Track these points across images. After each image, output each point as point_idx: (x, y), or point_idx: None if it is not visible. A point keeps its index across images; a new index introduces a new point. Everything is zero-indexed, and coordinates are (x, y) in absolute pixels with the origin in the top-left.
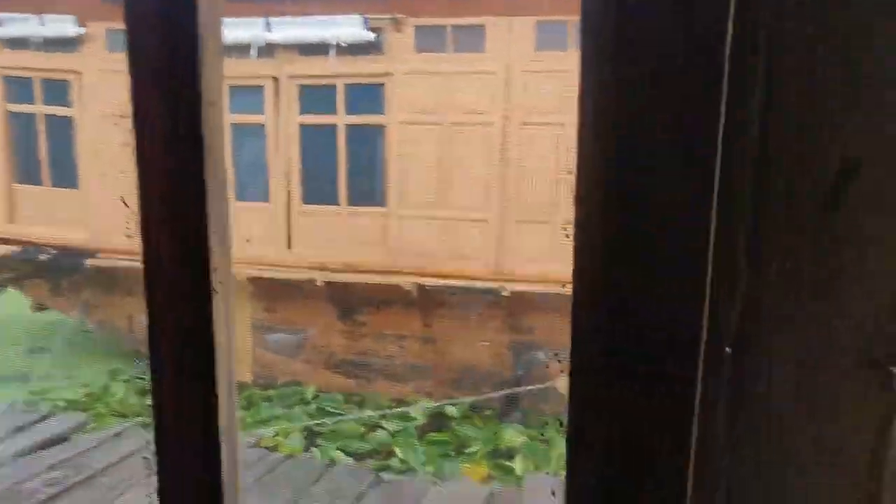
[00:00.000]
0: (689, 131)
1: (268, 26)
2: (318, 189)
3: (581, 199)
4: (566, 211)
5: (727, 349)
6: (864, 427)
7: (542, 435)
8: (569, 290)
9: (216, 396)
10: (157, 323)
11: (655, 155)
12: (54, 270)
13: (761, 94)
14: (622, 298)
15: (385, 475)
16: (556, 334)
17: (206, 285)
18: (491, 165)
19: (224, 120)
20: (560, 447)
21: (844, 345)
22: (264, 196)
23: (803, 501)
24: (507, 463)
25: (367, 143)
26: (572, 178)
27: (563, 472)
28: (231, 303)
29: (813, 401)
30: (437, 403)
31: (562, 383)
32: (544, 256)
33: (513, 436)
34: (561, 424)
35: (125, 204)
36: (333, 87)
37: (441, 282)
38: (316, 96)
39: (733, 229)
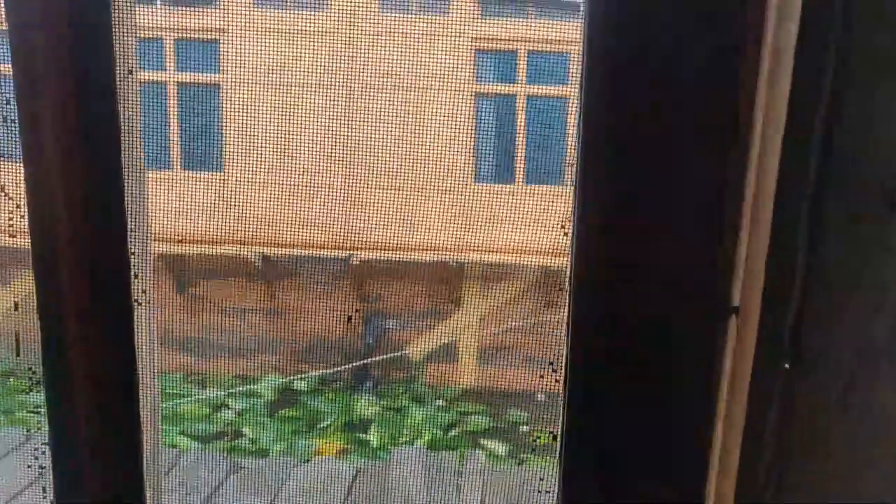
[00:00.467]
0: (700, 133)
1: None
2: (149, 154)
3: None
4: (413, 176)
5: (785, 363)
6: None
7: (396, 404)
8: (415, 255)
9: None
10: (55, 346)
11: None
12: None
13: (827, 101)
14: (624, 289)
15: (244, 462)
16: (406, 302)
17: (126, 297)
18: (335, 129)
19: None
20: (415, 415)
21: (891, 351)
22: None
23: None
24: (362, 435)
25: (202, 104)
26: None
27: (422, 441)
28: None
29: (854, 403)
30: (286, 378)
31: (413, 350)
32: (392, 223)
33: (365, 407)
34: (413, 397)
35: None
36: (160, 40)
37: (286, 251)
38: (144, 50)
39: (792, 238)
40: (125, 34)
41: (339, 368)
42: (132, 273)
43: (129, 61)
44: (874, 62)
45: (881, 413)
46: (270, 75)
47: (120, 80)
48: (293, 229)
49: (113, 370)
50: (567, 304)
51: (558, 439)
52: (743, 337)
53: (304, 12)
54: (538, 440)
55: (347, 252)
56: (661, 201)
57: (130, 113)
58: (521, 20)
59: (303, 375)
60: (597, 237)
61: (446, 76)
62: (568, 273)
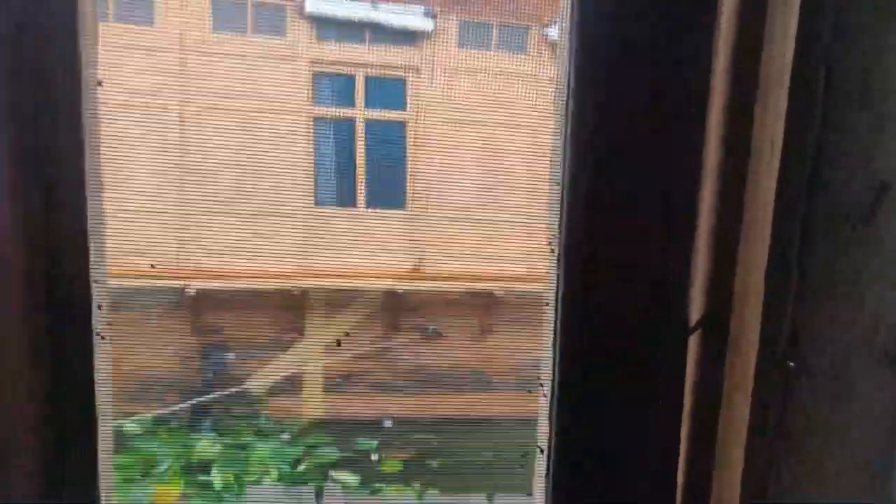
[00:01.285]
0: (668, 152)
1: None
2: None
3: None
4: (251, 201)
5: (788, 362)
6: (881, 418)
7: (239, 441)
8: (255, 283)
9: None
10: None
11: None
12: None
13: (818, 125)
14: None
15: None
16: (247, 333)
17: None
18: (165, 152)
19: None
20: (260, 451)
21: (870, 346)
22: None
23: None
24: (204, 477)
25: None
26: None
27: (270, 478)
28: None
29: (840, 396)
30: (115, 422)
31: (254, 383)
32: (228, 250)
33: (206, 447)
34: (259, 429)
35: None
36: None
37: (114, 282)
38: None
39: (788, 243)
40: None
41: (175, 407)
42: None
43: None
44: (856, 84)
45: (866, 404)
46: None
47: None
48: (122, 259)
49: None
50: (554, 322)
51: (545, 452)
52: (743, 343)
53: (131, 26)
54: (384, 467)
55: (183, 282)
56: (641, 213)
57: None
58: (357, 45)
59: (135, 417)
60: (584, 250)
61: (284, 99)
62: (555, 293)
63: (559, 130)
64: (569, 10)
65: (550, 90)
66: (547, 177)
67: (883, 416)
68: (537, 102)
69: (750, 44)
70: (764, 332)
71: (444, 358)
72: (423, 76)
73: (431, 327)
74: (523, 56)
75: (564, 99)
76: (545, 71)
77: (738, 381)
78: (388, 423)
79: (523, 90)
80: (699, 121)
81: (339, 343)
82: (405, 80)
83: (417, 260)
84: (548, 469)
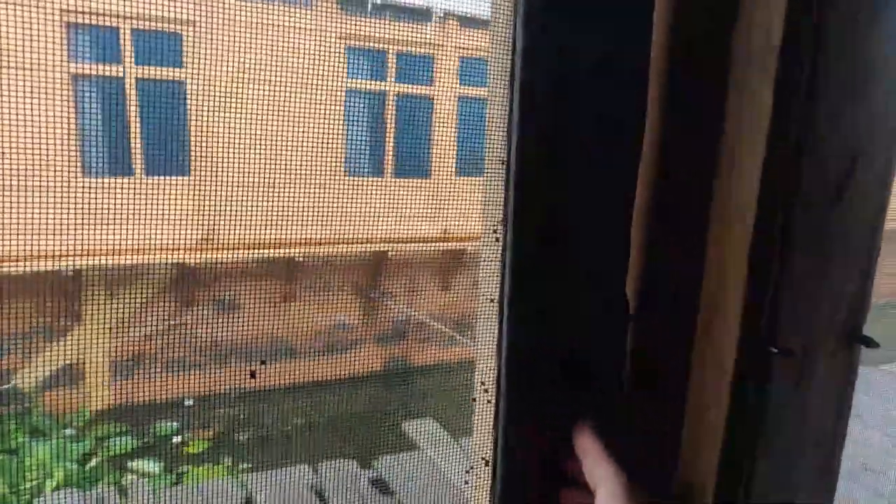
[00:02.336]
0: (608, 145)
1: None
2: None
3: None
4: (57, 177)
5: (772, 349)
6: (832, 397)
7: (12, 445)
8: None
9: None
10: None
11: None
12: None
13: (802, 102)
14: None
15: None
16: (10, 323)
17: None
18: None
19: None
20: (36, 455)
21: (834, 325)
22: None
23: (798, 477)
24: None
25: None
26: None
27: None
28: None
29: (804, 376)
30: None
31: (24, 381)
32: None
33: None
34: (34, 428)
35: None
36: None
37: None
38: None
39: (772, 221)
40: None
41: None
42: None
43: None
44: (838, 61)
45: (825, 382)
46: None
47: None
48: None
49: None
50: (500, 323)
51: (491, 463)
52: (724, 332)
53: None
54: (190, 449)
55: None
56: (588, 208)
57: None
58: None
59: None
60: (532, 242)
61: (37, 55)
62: (503, 290)
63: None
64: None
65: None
66: (339, 137)
67: (837, 394)
68: (324, 59)
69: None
70: (745, 317)
71: (244, 330)
72: (200, 30)
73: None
74: (309, 10)
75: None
76: (334, 26)
77: (709, 369)
78: (189, 402)
79: (311, 47)
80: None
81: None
82: (181, 36)
83: (207, 230)
84: (493, 481)
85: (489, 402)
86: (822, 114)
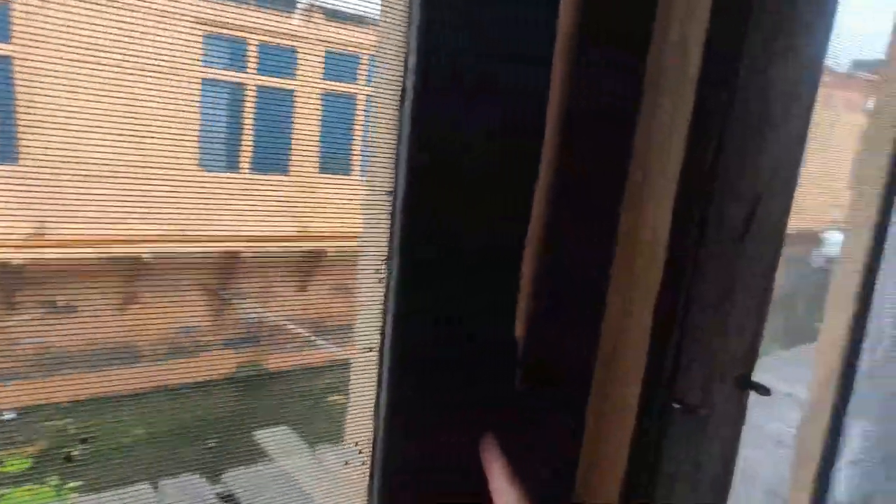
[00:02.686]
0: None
1: None
2: None
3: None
4: None
5: (674, 403)
6: (729, 437)
7: None
8: None
9: None
10: None
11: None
12: None
13: (715, 142)
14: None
15: None
16: None
17: None
18: None
19: None
20: None
21: (729, 373)
22: None
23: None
24: None
25: None
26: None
27: None
28: None
29: (702, 424)
30: None
31: None
32: None
33: None
34: None
35: None
36: None
37: None
38: None
39: (681, 267)
40: None
41: None
42: None
43: None
44: (747, 104)
45: (721, 426)
46: None
47: None
48: None
49: None
50: (385, 334)
51: (372, 454)
52: (627, 374)
53: None
54: (7, 468)
55: None
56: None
57: None
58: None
59: None
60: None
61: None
62: (387, 302)
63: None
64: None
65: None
66: (193, 129)
67: (731, 436)
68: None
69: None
70: (649, 365)
71: (80, 334)
72: (31, 1)
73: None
74: None
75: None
76: (190, 9)
77: (610, 402)
78: (9, 416)
79: (163, 30)
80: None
81: None
82: (7, 7)
83: (38, 224)
84: (371, 477)
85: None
86: (733, 151)
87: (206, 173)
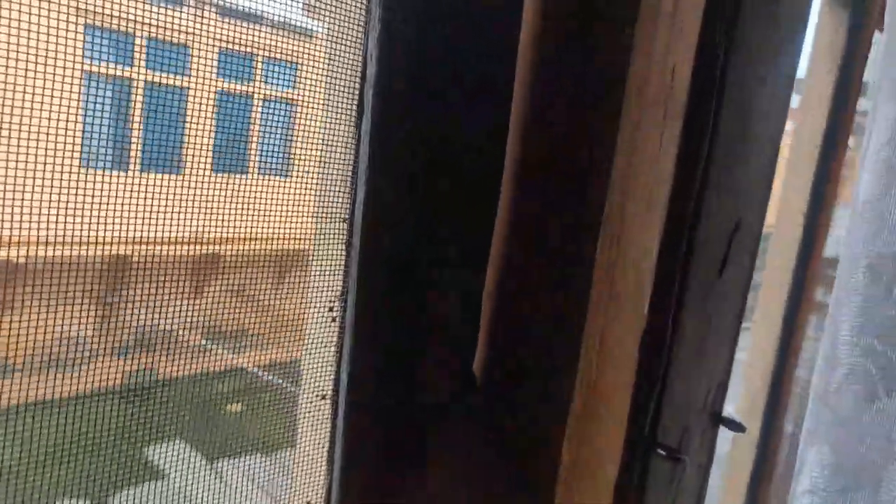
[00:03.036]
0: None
1: None
2: None
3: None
4: None
5: (659, 450)
6: (703, 466)
7: None
8: None
9: None
10: None
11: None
12: None
13: (703, 165)
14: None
15: None
16: None
17: None
18: None
19: None
20: None
21: (704, 409)
22: None
23: None
24: None
25: None
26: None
27: None
28: None
29: (681, 461)
30: None
31: None
32: None
33: None
34: None
35: None
36: None
37: None
38: None
39: (666, 304)
40: None
41: None
42: None
43: None
44: (732, 129)
45: (697, 459)
46: None
47: None
48: None
49: None
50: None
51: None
52: (608, 419)
53: None
54: None
55: None
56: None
57: None
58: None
59: None
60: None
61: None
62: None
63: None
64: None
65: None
66: (74, 125)
67: (705, 466)
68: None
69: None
70: (632, 412)
71: None
72: None
73: None
74: None
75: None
76: None
77: (585, 448)
78: None
79: (40, 20)
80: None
81: None
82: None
83: None
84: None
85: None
86: (716, 174)
87: (90, 172)
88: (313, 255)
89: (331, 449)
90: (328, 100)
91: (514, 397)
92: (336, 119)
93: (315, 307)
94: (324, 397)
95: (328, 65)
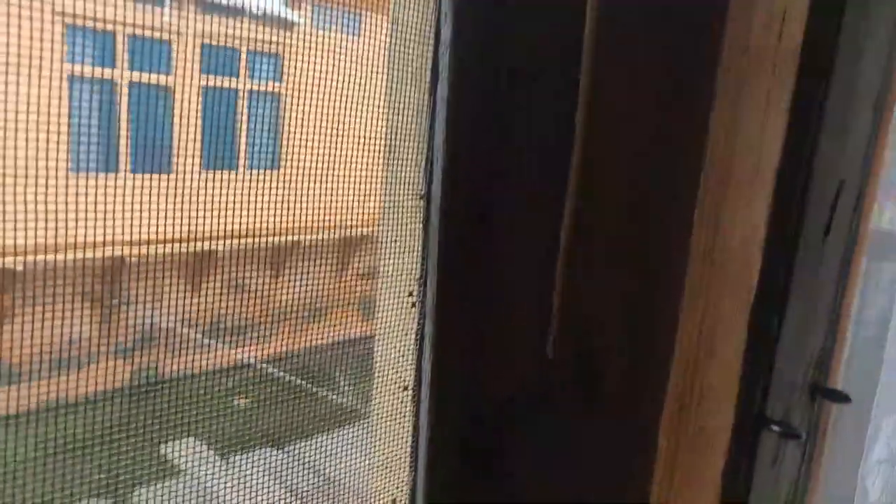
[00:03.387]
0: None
1: None
2: None
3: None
4: None
5: (772, 426)
6: (801, 442)
7: None
8: None
9: None
10: None
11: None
12: None
13: (814, 132)
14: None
15: None
16: None
17: None
18: None
19: None
20: None
21: (805, 382)
22: None
23: None
24: None
25: None
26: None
27: None
28: None
29: (783, 437)
30: None
31: None
32: None
33: None
34: None
35: None
36: None
37: None
38: None
39: (775, 272)
40: None
41: None
42: None
43: None
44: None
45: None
46: None
47: None
48: None
49: None
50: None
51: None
52: (715, 400)
53: None
54: None
55: None
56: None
57: None
58: None
59: None
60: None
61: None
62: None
63: None
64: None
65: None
66: (61, 129)
67: (806, 440)
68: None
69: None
70: (742, 392)
71: None
72: None
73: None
74: None
75: None
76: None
77: (690, 448)
78: None
79: (20, 22)
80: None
81: None
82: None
83: None
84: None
85: (409, 399)
86: (824, 141)
87: (79, 176)
88: (385, 237)
89: (414, 443)
90: (394, 66)
91: (601, 386)
92: (405, 87)
93: (392, 291)
94: (406, 388)
95: (392, 35)
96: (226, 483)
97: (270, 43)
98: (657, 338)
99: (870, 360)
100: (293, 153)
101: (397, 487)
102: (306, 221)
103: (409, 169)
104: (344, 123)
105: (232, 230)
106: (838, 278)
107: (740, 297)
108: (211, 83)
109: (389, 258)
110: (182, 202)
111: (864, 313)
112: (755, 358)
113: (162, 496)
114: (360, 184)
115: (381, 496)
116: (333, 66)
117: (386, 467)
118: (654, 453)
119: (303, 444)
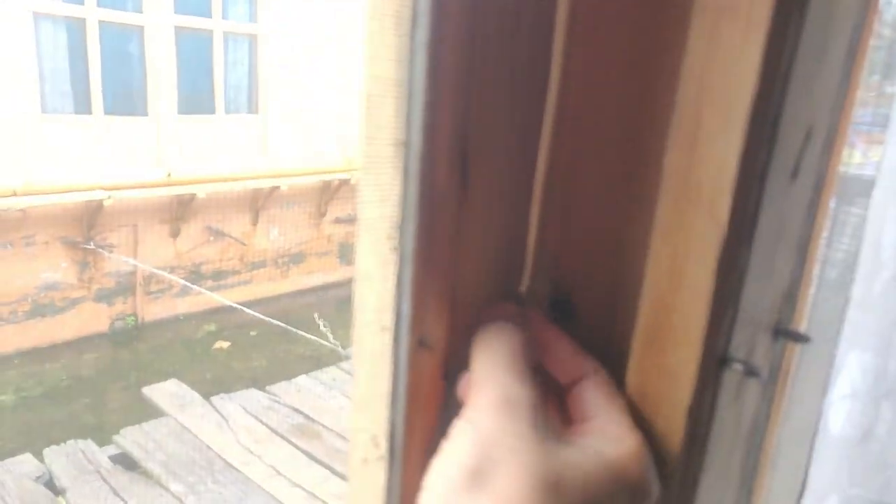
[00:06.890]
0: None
1: None
2: None
3: None
4: None
5: (736, 364)
6: (767, 381)
7: None
8: None
9: None
10: None
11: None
12: None
13: (785, 68)
14: None
15: None
16: None
17: None
18: None
19: None
20: None
21: (769, 323)
22: None
23: None
24: None
25: None
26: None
27: None
28: None
29: (745, 379)
30: None
31: None
32: None
33: None
34: None
35: None
36: None
37: None
38: None
39: (742, 215)
40: None
41: None
42: None
43: None
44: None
45: (760, 373)
46: None
47: None
48: None
49: None
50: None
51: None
52: (680, 341)
53: None
54: None
55: None
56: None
57: None
58: None
59: None
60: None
61: None
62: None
63: None
64: None
65: None
66: (29, 69)
67: (767, 379)
68: None
69: None
70: (709, 326)
71: None
72: None
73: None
74: None
75: None
76: None
77: (656, 386)
78: None
79: None
80: None
81: None
82: None
83: None
84: (390, 471)
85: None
86: (795, 79)
87: (51, 117)
88: (365, 183)
89: (394, 384)
90: (373, 9)
91: (573, 322)
92: (384, 31)
93: (372, 236)
94: (384, 329)
95: None
96: (209, 421)
97: None
98: (631, 272)
99: (836, 300)
100: (269, 97)
101: (377, 424)
102: (285, 166)
103: (387, 115)
104: (322, 68)
105: (209, 175)
106: (805, 220)
107: (711, 232)
108: (185, 24)
109: (369, 204)
110: (158, 145)
111: (831, 255)
112: (723, 297)
113: (146, 435)
114: (338, 129)
115: (361, 434)
116: (311, 6)
117: (366, 406)
118: (624, 389)
119: (285, 385)
